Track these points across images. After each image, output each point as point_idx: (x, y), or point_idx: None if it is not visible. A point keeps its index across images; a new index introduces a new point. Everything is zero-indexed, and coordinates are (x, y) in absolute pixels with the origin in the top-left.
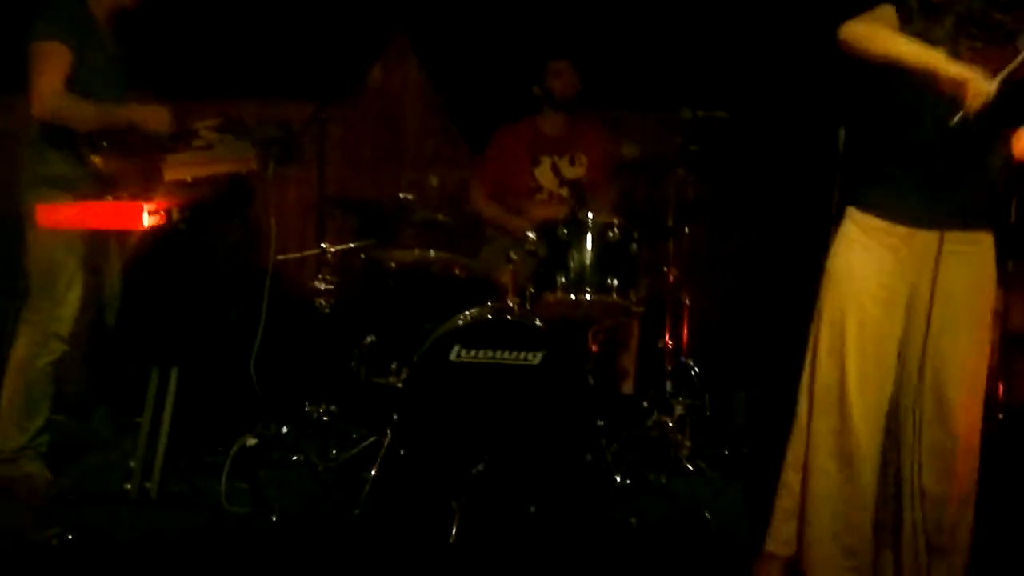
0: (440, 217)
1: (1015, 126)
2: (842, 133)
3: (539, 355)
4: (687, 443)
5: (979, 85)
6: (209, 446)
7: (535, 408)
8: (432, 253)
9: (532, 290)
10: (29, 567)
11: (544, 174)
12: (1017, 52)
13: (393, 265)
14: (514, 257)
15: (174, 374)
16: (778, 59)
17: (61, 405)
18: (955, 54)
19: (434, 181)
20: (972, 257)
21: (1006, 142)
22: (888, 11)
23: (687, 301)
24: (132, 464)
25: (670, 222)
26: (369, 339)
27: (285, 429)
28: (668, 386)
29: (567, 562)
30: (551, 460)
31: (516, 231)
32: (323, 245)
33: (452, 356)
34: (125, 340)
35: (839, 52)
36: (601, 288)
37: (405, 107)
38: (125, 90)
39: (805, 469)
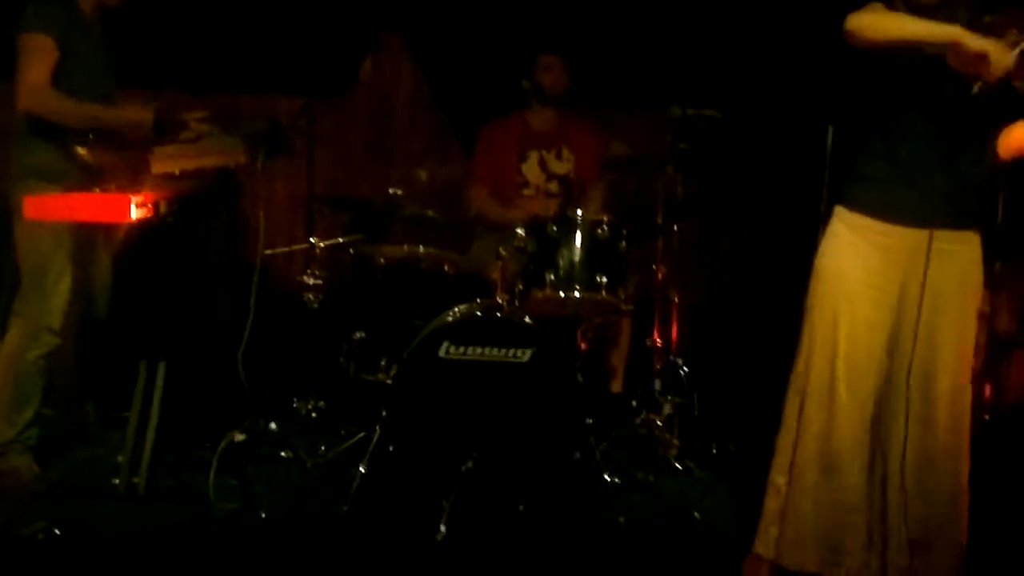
0: (430, 213)
1: (1001, 125)
2: (831, 132)
3: (528, 352)
4: (676, 442)
5: (999, 55)
6: (197, 441)
7: (524, 405)
8: (421, 249)
9: (521, 287)
10: (16, 561)
11: (531, 169)
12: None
13: (382, 261)
14: (503, 254)
15: (162, 368)
16: (768, 58)
17: (49, 399)
18: (942, 54)
19: (423, 176)
20: (961, 256)
21: (991, 142)
22: (880, 8)
23: (676, 299)
24: (120, 459)
25: (659, 220)
26: (358, 335)
27: (273, 425)
28: (657, 385)
29: (555, 560)
30: (540, 458)
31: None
32: (312, 240)
33: (441, 353)
34: (113, 334)
35: (831, 50)
36: (590, 286)
37: (395, 102)
38: (113, 83)
39: (792, 468)
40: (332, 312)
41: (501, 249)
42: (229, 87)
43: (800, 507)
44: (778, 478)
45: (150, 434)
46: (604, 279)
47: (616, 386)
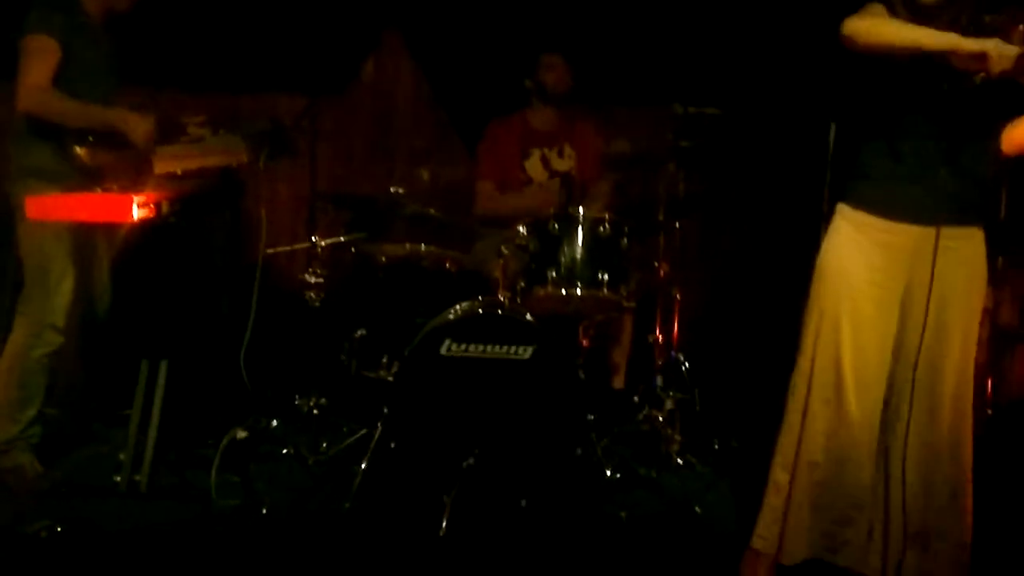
0: (431, 211)
1: (1003, 121)
2: (833, 129)
3: (530, 349)
4: (677, 438)
5: (1001, 49)
6: (199, 439)
7: (526, 402)
8: (423, 247)
9: (523, 284)
10: (19, 559)
11: (534, 167)
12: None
13: (384, 259)
14: (505, 252)
15: (164, 367)
16: (769, 55)
17: (51, 398)
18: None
19: (425, 175)
20: (966, 252)
21: (995, 138)
22: (879, 9)
23: (678, 296)
24: (122, 456)
25: (661, 217)
26: (360, 333)
27: (275, 422)
28: (659, 381)
29: (557, 556)
30: (542, 454)
31: (538, 204)
32: (314, 238)
33: (443, 350)
34: (115, 333)
35: (832, 48)
36: (592, 283)
37: (397, 101)
38: (116, 86)
39: (795, 466)
40: (334, 310)
41: (503, 247)
42: (230, 86)
43: (804, 505)
44: (780, 475)
45: (152, 432)
46: (606, 276)
47: (618, 382)
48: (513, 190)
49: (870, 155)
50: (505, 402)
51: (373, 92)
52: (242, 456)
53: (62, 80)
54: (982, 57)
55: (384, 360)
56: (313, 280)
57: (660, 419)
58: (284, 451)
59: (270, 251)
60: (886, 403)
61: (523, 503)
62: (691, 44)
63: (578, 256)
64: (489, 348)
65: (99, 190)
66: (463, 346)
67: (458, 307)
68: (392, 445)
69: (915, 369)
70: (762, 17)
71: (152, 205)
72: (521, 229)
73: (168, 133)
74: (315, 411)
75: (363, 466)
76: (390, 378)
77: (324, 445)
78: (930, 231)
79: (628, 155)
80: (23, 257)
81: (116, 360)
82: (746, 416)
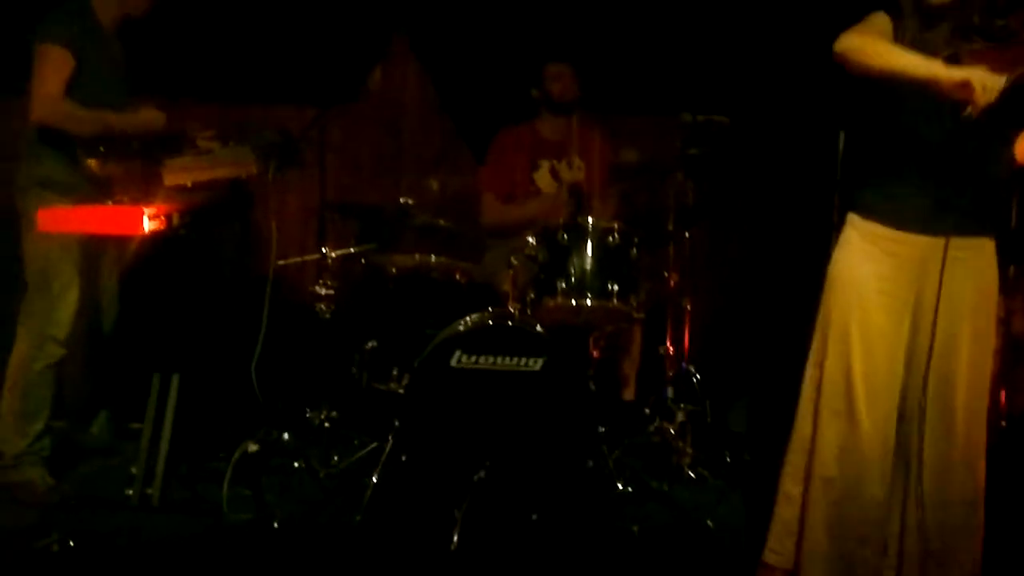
0: (441, 222)
1: (1018, 130)
2: (842, 138)
3: (540, 361)
4: (689, 450)
5: (986, 81)
6: (211, 452)
7: (536, 414)
8: (433, 258)
9: (533, 296)
10: (30, 573)
11: (543, 178)
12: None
13: (394, 270)
14: (515, 262)
15: (175, 380)
16: (778, 64)
17: (62, 411)
18: (955, 58)
19: (435, 186)
20: (975, 263)
21: (1009, 146)
22: (882, 19)
23: (688, 307)
24: (134, 470)
25: (671, 227)
26: (370, 345)
27: (286, 435)
28: (669, 392)
29: (569, 570)
30: (552, 467)
31: (543, 213)
32: (324, 250)
33: (453, 362)
34: (126, 346)
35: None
36: (602, 293)
37: (406, 111)
38: (128, 96)
39: (807, 479)
40: (344, 322)
41: (512, 258)
42: (238, 98)
43: (819, 521)
44: (791, 488)
45: (164, 445)
46: (615, 287)
47: (628, 394)
48: (521, 201)
49: (879, 165)
50: (515, 414)
51: (381, 102)
52: (254, 469)
53: (74, 89)
54: (966, 86)
55: (394, 372)
56: (323, 292)
57: (671, 431)
58: (295, 464)
59: (280, 263)
60: (900, 415)
61: (534, 516)
62: (699, 52)
63: (588, 267)
64: (499, 360)
65: (109, 202)
66: (473, 358)
67: (468, 319)
68: (403, 458)
69: (925, 381)
70: (771, 25)
71: (162, 217)
72: (530, 240)
73: (177, 146)
74: (326, 424)
75: (374, 479)
76: (400, 390)
77: (335, 458)
78: (939, 241)
79: (637, 164)
80: (27, 267)
81: (128, 374)
82: (758, 428)
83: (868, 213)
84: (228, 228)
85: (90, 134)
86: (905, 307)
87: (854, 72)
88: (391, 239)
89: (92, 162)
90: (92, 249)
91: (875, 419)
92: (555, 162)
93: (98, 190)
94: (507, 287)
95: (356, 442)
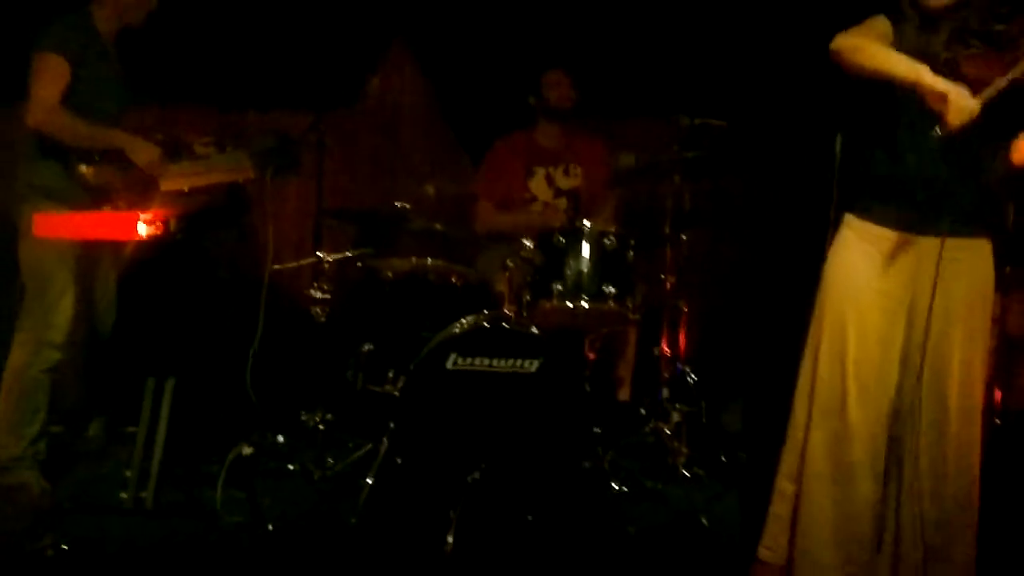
0: (437, 226)
1: (1016, 132)
2: (839, 140)
3: (536, 363)
4: (684, 450)
5: (961, 102)
6: (205, 455)
7: (532, 416)
8: (429, 261)
9: (529, 298)
10: None
11: (538, 185)
12: (1018, 58)
13: (390, 274)
14: (511, 265)
15: (170, 384)
16: (775, 67)
17: (57, 415)
18: (953, 63)
19: (431, 190)
20: (971, 263)
21: (1007, 148)
22: (882, 22)
23: (684, 308)
24: (128, 474)
25: (667, 229)
26: (366, 347)
27: (281, 438)
28: (665, 393)
29: (565, 570)
30: (548, 468)
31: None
32: (320, 254)
33: (449, 364)
34: (122, 350)
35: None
36: (598, 296)
37: (403, 116)
38: (126, 106)
39: (800, 477)
40: (340, 325)
41: (508, 260)
42: (236, 103)
43: (813, 519)
44: (786, 485)
45: (158, 449)
46: (612, 289)
47: (624, 395)
48: (516, 209)
49: (875, 166)
50: (511, 416)
51: (378, 107)
52: (248, 472)
53: (72, 98)
54: (943, 100)
55: (390, 375)
56: (319, 295)
57: (667, 432)
58: (290, 467)
59: (276, 267)
60: (896, 414)
61: (530, 517)
62: (696, 56)
63: (584, 269)
64: (495, 362)
65: (106, 208)
66: (469, 360)
67: (464, 321)
68: (398, 460)
69: (920, 380)
70: (767, 28)
71: (159, 222)
72: (527, 243)
73: (174, 152)
74: (321, 426)
75: (369, 481)
76: (396, 393)
77: (330, 460)
78: (935, 242)
79: (633, 169)
80: (24, 273)
81: (122, 377)
82: (753, 428)
83: (863, 213)
84: (225, 233)
85: (85, 145)
86: (900, 307)
87: (848, 71)
88: (387, 243)
89: (87, 169)
90: (89, 254)
91: (867, 417)
92: (551, 169)
93: (94, 197)
94: (503, 289)
95: (351, 444)
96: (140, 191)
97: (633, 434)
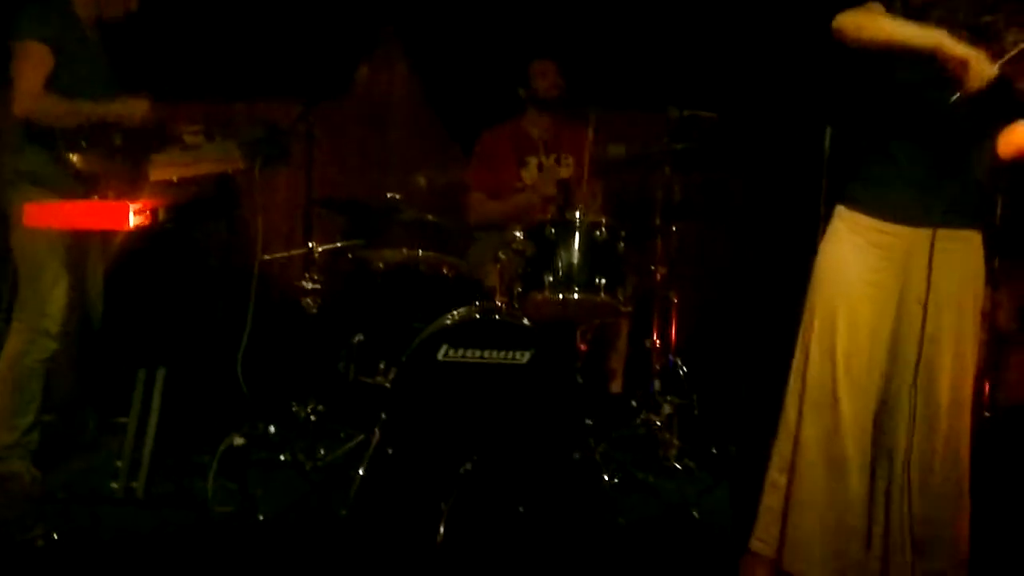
0: (428, 217)
1: (1001, 124)
2: (828, 133)
3: (527, 354)
4: (675, 442)
5: (981, 66)
6: (196, 446)
7: (523, 407)
8: (420, 253)
9: (520, 289)
10: (15, 566)
11: (531, 174)
12: (1004, 49)
13: (381, 265)
14: (502, 257)
15: (161, 374)
16: (765, 58)
17: (48, 405)
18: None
19: (422, 181)
20: (962, 255)
21: (992, 140)
22: (878, 7)
23: (675, 300)
24: (119, 464)
25: (658, 221)
26: (357, 338)
27: (272, 429)
28: (656, 385)
29: (555, 561)
30: (539, 459)
31: (529, 205)
32: (310, 245)
33: (440, 355)
34: (112, 340)
35: (827, 50)
36: (589, 287)
37: (393, 107)
38: (113, 90)
39: (792, 469)
40: (331, 316)
41: (500, 252)
42: (224, 93)
43: (804, 510)
44: (777, 477)
45: (149, 439)
46: (603, 281)
47: (616, 387)
48: (507, 196)
49: (866, 157)
50: (502, 407)
51: (369, 97)
52: (239, 463)
53: (55, 83)
54: (964, 65)
55: (381, 366)
56: (310, 286)
57: (658, 424)
58: (281, 457)
59: (266, 257)
60: (883, 406)
61: (521, 509)
62: (686, 47)
63: (575, 261)
64: (486, 353)
65: (95, 197)
66: (460, 351)
67: (455, 312)
68: (389, 451)
69: (916, 373)
70: (757, 20)
71: (148, 212)
72: (518, 234)
73: (163, 142)
74: (312, 417)
75: (360, 472)
76: (387, 384)
77: (321, 451)
78: (926, 233)
79: (623, 159)
80: (17, 263)
81: (113, 368)
82: (745, 420)
83: (854, 204)
84: (214, 223)
85: (73, 124)
86: (891, 298)
87: (853, 46)
88: (378, 234)
89: (75, 157)
90: (79, 244)
91: (855, 409)
92: (542, 158)
93: (83, 185)
94: (494, 281)
95: (342, 435)
96: (128, 180)
97: (624, 426)
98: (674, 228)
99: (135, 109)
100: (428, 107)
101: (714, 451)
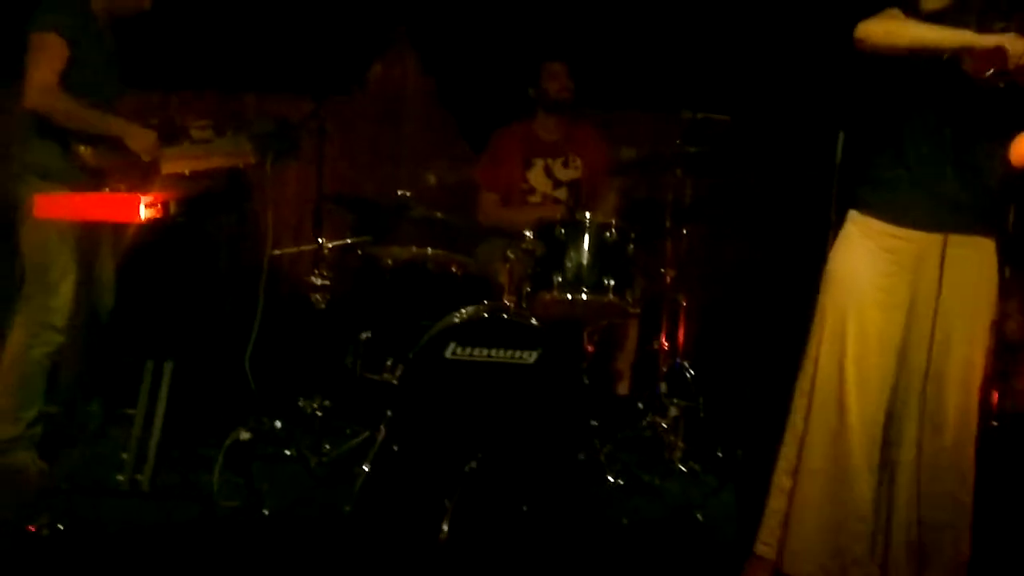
0: (438, 214)
1: (1013, 133)
2: (841, 137)
3: (534, 354)
4: (681, 444)
5: (1016, 44)
6: (202, 439)
7: (529, 407)
8: (429, 250)
9: (529, 289)
10: (20, 557)
11: (536, 176)
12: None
13: (390, 262)
14: (511, 256)
15: (168, 367)
16: (779, 62)
17: (54, 396)
18: (954, 62)
19: (432, 179)
20: (974, 261)
21: (1005, 149)
22: (895, 13)
23: (683, 303)
24: (124, 456)
25: (668, 223)
26: (365, 335)
27: (279, 424)
28: (663, 387)
29: (558, 561)
30: (544, 459)
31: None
32: (320, 240)
33: (447, 353)
34: (121, 332)
35: (842, 55)
36: (598, 288)
37: (404, 104)
38: (123, 88)
39: (798, 472)
40: (339, 312)
41: (509, 251)
42: (236, 88)
43: (807, 514)
44: (783, 480)
45: (155, 432)
46: (611, 282)
47: (622, 388)
48: (516, 201)
49: (879, 161)
50: (508, 406)
51: (380, 94)
52: (245, 457)
53: (69, 79)
54: (999, 52)
55: (388, 363)
56: (319, 282)
57: (664, 426)
58: (287, 452)
59: (276, 252)
60: (890, 412)
61: (525, 508)
62: (700, 50)
63: (584, 261)
64: (493, 352)
65: (106, 190)
66: (467, 349)
67: (463, 311)
68: (395, 448)
69: (926, 378)
70: (772, 24)
71: (159, 205)
72: (528, 234)
73: (172, 136)
74: (318, 413)
75: (365, 468)
76: (394, 381)
77: (327, 447)
78: (937, 238)
79: (635, 161)
80: (24, 255)
81: (120, 359)
82: (751, 424)
83: (866, 209)
84: (225, 217)
85: (81, 128)
86: (901, 303)
87: (878, 52)
88: (388, 231)
89: (85, 151)
90: (90, 237)
91: (863, 415)
92: (549, 160)
93: (93, 178)
94: (503, 280)
95: (348, 432)
96: (139, 174)
97: (630, 427)
98: (684, 231)
99: (143, 142)
100: (439, 105)
101: (720, 454)
